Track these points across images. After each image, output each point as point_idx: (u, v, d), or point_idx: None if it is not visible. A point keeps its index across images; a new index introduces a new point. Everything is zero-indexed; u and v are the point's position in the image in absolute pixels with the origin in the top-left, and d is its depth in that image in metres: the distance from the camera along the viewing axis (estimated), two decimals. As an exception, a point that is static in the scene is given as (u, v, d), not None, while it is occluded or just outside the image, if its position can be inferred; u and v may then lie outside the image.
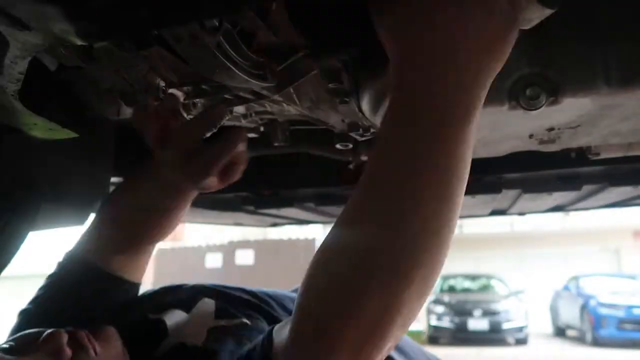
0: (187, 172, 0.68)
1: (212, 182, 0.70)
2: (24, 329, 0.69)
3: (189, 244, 10.20)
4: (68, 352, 0.60)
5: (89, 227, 0.81)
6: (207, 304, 0.77)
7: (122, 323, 0.72)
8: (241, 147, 0.71)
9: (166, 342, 0.70)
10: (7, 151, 0.74)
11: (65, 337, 0.61)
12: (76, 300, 0.75)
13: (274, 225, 1.91)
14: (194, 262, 9.10)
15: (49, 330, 0.61)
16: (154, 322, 0.72)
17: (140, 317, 0.75)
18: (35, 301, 0.77)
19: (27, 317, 0.75)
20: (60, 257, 0.81)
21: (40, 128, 0.69)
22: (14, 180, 0.81)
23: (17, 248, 0.86)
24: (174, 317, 0.74)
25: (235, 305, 0.78)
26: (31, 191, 0.86)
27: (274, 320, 0.74)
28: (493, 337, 8.57)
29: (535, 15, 0.47)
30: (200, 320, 0.74)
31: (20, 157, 0.79)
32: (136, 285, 0.83)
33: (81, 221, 0.92)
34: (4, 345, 0.62)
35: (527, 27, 0.48)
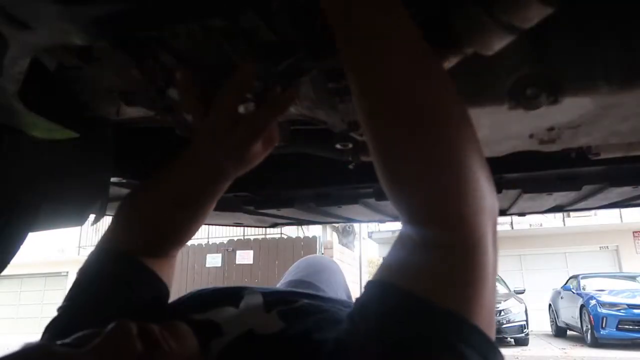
0: (229, 143, 0.63)
1: (257, 151, 0.67)
2: (62, 327, 0.63)
3: (189, 243, 10.20)
4: (139, 346, 0.52)
5: (117, 221, 0.75)
6: (255, 296, 0.71)
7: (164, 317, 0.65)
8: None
9: (220, 339, 0.63)
10: (7, 151, 0.74)
11: (135, 329, 0.53)
12: (114, 294, 0.68)
13: (274, 225, 1.90)
14: (194, 261, 9.10)
15: (116, 321, 0.53)
16: (202, 322, 0.65)
17: (184, 319, 0.66)
18: (71, 298, 0.70)
19: (66, 315, 0.67)
20: (89, 252, 0.75)
21: (40, 128, 0.69)
22: (14, 180, 0.81)
23: (17, 248, 0.86)
24: (224, 314, 0.67)
25: (275, 294, 0.73)
26: (31, 191, 0.86)
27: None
28: (493, 337, 8.54)
29: (535, 14, 0.47)
30: (258, 310, 0.67)
31: (20, 157, 0.79)
32: (167, 288, 0.77)
33: (81, 221, 0.92)
34: (62, 342, 0.55)
35: (527, 27, 0.48)
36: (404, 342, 0.43)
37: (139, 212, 0.73)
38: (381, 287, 0.49)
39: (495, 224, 0.47)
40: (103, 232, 0.77)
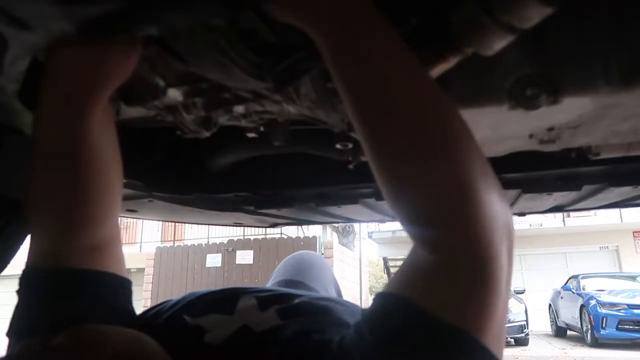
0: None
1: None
2: None
3: (189, 243, 10.21)
4: None
5: (33, 238, 0.65)
6: (248, 298, 0.69)
7: (155, 328, 0.63)
8: None
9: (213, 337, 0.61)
10: (7, 151, 0.74)
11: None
12: (65, 309, 0.61)
13: (274, 225, 1.90)
14: (194, 261, 9.10)
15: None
16: (193, 327, 0.63)
17: (178, 320, 0.66)
18: (18, 323, 0.63)
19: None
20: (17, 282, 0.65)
21: (40, 128, 0.69)
22: (14, 180, 0.81)
23: (17, 248, 0.86)
24: (216, 321, 0.64)
25: (270, 293, 0.71)
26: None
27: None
28: (493, 337, 8.50)
29: (535, 14, 0.46)
30: (252, 310, 0.66)
31: (20, 157, 0.79)
32: (120, 277, 0.67)
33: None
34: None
35: (527, 27, 0.48)
36: (410, 358, 0.43)
37: (40, 213, 0.64)
38: (392, 299, 0.49)
39: (511, 242, 0.46)
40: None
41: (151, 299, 8.80)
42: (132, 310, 0.70)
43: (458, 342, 0.43)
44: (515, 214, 1.68)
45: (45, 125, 0.59)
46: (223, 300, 0.70)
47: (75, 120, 0.58)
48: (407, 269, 0.50)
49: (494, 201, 0.45)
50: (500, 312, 0.45)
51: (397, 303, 0.48)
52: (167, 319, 0.67)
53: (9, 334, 0.63)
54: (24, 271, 0.65)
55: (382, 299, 0.50)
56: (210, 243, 9.63)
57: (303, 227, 10.53)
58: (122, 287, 0.68)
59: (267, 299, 0.69)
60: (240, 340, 0.60)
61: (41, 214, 0.64)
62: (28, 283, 0.64)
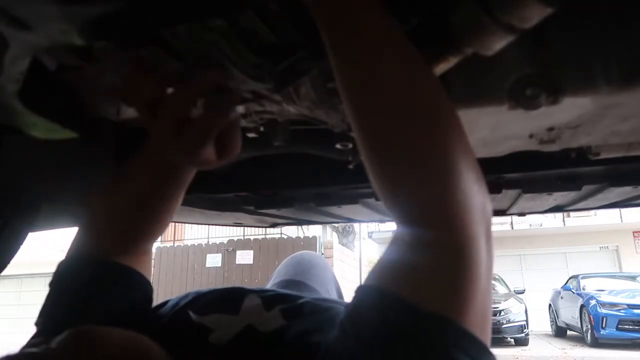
0: (180, 144, 0.58)
1: (210, 155, 0.60)
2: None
3: (189, 243, 10.21)
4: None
5: (84, 227, 0.74)
6: (254, 299, 0.70)
7: (160, 328, 0.66)
8: (236, 112, 0.63)
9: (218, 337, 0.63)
10: (7, 151, 0.74)
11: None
12: (101, 302, 0.67)
13: (274, 225, 1.90)
14: (194, 261, 9.10)
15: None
16: (198, 326, 0.65)
17: (183, 317, 0.68)
18: (49, 314, 0.67)
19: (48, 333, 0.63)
20: (58, 261, 0.72)
21: (40, 128, 0.69)
22: (14, 180, 0.81)
23: (17, 248, 0.86)
24: (221, 319, 0.66)
25: (274, 293, 0.73)
26: (31, 191, 0.87)
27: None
28: (493, 337, 8.44)
29: (535, 14, 0.46)
30: (258, 310, 0.68)
31: (20, 157, 0.79)
32: (149, 283, 0.75)
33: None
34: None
35: (527, 27, 0.48)
36: (394, 349, 0.43)
37: (103, 215, 0.71)
38: (371, 291, 0.49)
39: (488, 225, 0.47)
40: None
41: (151, 299, 8.77)
42: (149, 312, 0.74)
43: (443, 330, 0.43)
44: (515, 214, 1.68)
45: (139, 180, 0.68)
46: (228, 300, 0.71)
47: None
48: (385, 258, 0.50)
49: (471, 182, 0.45)
50: (481, 298, 0.45)
51: (375, 294, 0.48)
52: (172, 317, 0.69)
53: (37, 324, 0.67)
54: (67, 261, 0.71)
55: (361, 292, 0.50)
56: (210, 243, 9.64)
57: (303, 227, 10.53)
58: (148, 289, 0.75)
59: (271, 299, 0.69)
60: (246, 340, 0.61)
61: (108, 224, 0.71)
62: (74, 271, 0.70)
